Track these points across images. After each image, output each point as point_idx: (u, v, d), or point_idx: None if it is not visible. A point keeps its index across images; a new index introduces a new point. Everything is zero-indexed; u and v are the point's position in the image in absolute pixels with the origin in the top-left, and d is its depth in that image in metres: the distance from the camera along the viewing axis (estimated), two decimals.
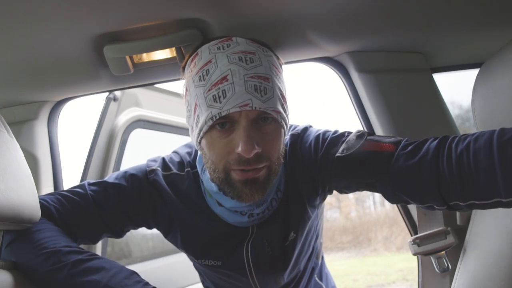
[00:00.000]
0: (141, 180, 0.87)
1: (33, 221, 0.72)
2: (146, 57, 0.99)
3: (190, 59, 0.78)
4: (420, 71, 1.10)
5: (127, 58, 0.95)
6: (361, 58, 1.07)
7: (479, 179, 0.65)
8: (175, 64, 0.99)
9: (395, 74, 1.08)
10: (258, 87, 0.70)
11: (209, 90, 0.71)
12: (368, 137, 0.80)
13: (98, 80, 1.08)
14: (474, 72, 0.84)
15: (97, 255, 0.74)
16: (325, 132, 0.86)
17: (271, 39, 0.98)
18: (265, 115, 0.72)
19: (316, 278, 1.08)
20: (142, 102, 1.88)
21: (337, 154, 0.79)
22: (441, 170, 0.69)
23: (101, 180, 0.88)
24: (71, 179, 1.48)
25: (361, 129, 0.83)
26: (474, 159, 0.65)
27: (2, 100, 1.16)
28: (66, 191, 0.85)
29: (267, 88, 0.71)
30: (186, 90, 0.79)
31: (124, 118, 1.76)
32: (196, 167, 0.88)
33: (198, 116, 0.74)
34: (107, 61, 0.95)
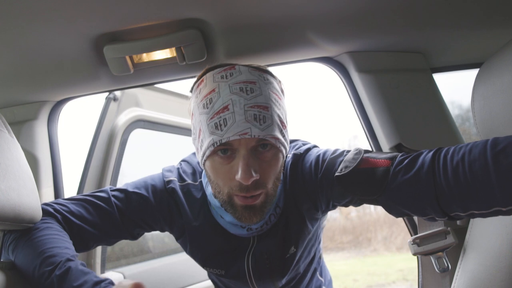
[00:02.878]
0: (161, 191, 0.91)
1: (33, 221, 0.72)
2: (146, 57, 0.99)
3: (196, 84, 0.84)
4: (420, 71, 1.10)
5: (127, 58, 0.96)
6: (361, 58, 1.08)
7: (477, 190, 0.65)
8: (175, 64, 0.99)
9: (395, 74, 1.08)
10: (257, 116, 0.74)
11: (211, 118, 0.75)
12: (365, 155, 0.81)
13: (98, 80, 1.08)
14: (474, 72, 0.84)
15: (83, 263, 0.72)
16: (325, 152, 0.87)
17: (271, 39, 0.99)
18: (264, 142, 0.76)
19: (318, 275, 1.11)
20: (142, 102, 1.88)
21: (336, 174, 0.81)
22: (438, 182, 0.69)
23: (123, 187, 0.91)
24: (71, 179, 1.48)
25: (359, 147, 0.84)
26: (469, 170, 0.66)
27: (2, 100, 1.16)
28: (90, 196, 0.88)
29: (266, 117, 0.75)
30: (192, 114, 0.84)
31: (124, 118, 1.76)
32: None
33: (202, 140, 0.78)
34: (107, 61, 0.95)
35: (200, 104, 0.79)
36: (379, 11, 0.90)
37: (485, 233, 0.85)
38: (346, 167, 0.80)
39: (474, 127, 0.84)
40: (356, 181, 0.79)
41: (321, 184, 0.84)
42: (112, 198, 0.88)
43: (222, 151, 0.76)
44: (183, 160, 0.99)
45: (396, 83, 1.07)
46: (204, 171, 0.89)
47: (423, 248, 0.96)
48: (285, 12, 0.88)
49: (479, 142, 0.67)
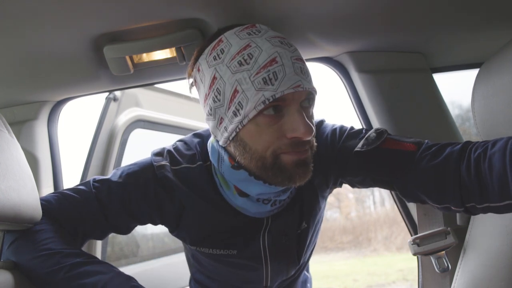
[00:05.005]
0: (147, 177, 0.84)
1: (34, 221, 0.72)
2: (146, 57, 0.99)
3: (211, 46, 0.75)
4: (420, 71, 1.10)
5: (127, 58, 0.95)
6: (361, 58, 1.08)
7: (493, 182, 0.66)
8: (175, 64, 0.99)
9: (395, 74, 1.08)
10: (302, 69, 0.71)
11: (257, 73, 0.68)
12: (388, 136, 0.80)
13: (98, 80, 1.08)
14: (474, 72, 0.84)
15: (96, 258, 0.74)
16: (342, 126, 0.87)
17: None
18: (310, 96, 0.73)
19: (305, 271, 1.11)
20: (142, 102, 1.88)
21: (356, 149, 0.79)
22: (463, 172, 0.70)
23: (106, 177, 0.86)
24: (71, 179, 1.48)
25: (380, 127, 0.83)
26: (489, 162, 0.67)
27: (2, 100, 1.16)
28: (71, 189, 0.84)
29: (307, 71, 0.73)
30: (214, 78, 0.73)
31: (124, 118, 1.76)
32: (208, 160, 0.85)
33: (239, 103, 0.70)
34: (107, 61, 0.95)
35: (232, 63, 0.70)
36: (379, 11, 0.90)
37: (485, 233, 0.85)
38: (368, 144, 0.79)
39: (474, 127, 0.84)
40: (377, 160, 0.78)
41: (337, 157, 0.82)
42: (93, 191, 0.82)
43: (273, 108, 0.69)
44: (180, 140, 0.91)
45: (396, 83, 1.07)
46: (211, 147, 0.82)
47: (423, 248, 0.96)
48: (285, 12, 0.88)
49: (504, 137, 0.68)
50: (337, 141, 0.83)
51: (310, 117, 0.74)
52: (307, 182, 0.82)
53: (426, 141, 0.78)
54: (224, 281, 0.98)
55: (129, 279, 0.71)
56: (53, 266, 0.69)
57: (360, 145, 0.79)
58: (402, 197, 0.81)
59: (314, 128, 0.71)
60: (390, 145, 0.78)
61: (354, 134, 0.83)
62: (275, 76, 0.68)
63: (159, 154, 0.87)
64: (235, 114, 0.71)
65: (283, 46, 0.71)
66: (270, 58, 0.68)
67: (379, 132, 0.81)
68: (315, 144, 0.78)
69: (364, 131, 0.83)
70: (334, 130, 0.85)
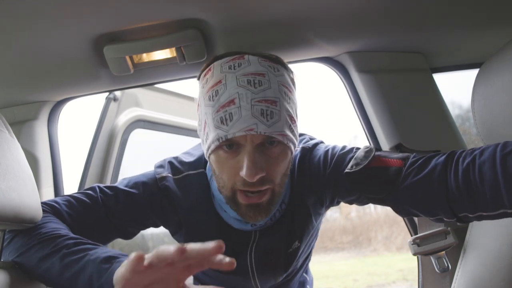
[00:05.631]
0: (152, 188, 0.87)
1: (34, 221, 0.72)
2: (146, 57, 0.99)
3: (203, 73, 0.81)
4: (420, 71, 1.10)
5: (127, 58, 0.96)
6: (361, 58, 1.08)
7: (484, 191, 0.66)
8: (175, 64, 0.99)
9: (395, 74, 1.08)
10: (264, 111, 0.71)
11: (217, 112, 0.73)
12: (376, 153, 0.81)
13: (98, 80, 1.08)
14: (474, 72, 0.84)
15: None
16: (334, 148, 0.87)
17: (271, 39, 0.99)
18: (271, 139, 0.73)
19: (304, 273, 1.12)
20: (142, 102, 1.88)
21: (346, 170, 0.80)
22: (449, 184, 0.70)
23: (112, 185, 0.89)
24: (71, 179, 1.48)
25: (369, 145, 0.85)
26: (479, 171, 0.66)
27: (2, 100, 1.16)
28: (77, 193, 0.86)
29: (274, 112, 0.72)
30: (198, 104, 0.81)
31: (124, 118, 1.76)
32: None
33: (207, 134, 0.76)
34: (107, 61, 0.95)
35: (206, 96, 0.76)
36: (379, 11, 0.90)
37: (485, 233, 0.85)
38: (357, 164, 0.79)
39: (474, 127, 0.84)
40: (366, 179, 0.78)
41: (329, 179, 0.83)
42: (100, 195, 0.84)
43: (228, 146, 0.74)
44: (185, 152, 0.96)
45: (396, 83, 1.07)
46: (209, 163, 0.86)
47: (423, 248, 0.96)
48: (285, 12, 0.88)
49: (491, 144, 0.68)
50: (329, 163, 0.84)
51: (272, 158, 0.75)
52: (300, 202, 0.87)
53: (414, 154, 0.79)
54: (219, 281, 1.01)
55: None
56: (53, 248, 0.68)
57: (349, 166, 0.80)
58: (395, 213, 0.82)
59: (262, 172, 0.72)
60: (378, 163, 0.79)
61: (344, 155, 0.84)
62: (231, 117, 0.71)
63: (160, 166, 0.91)
64: (205, 141, 0.78)
65: (248, 86, 0.72)
66: (230, 98, 0.72)
67: (367, 151, 0.81)
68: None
69: (354, 150, 0.84)
70: (326, 152, 0.86)
